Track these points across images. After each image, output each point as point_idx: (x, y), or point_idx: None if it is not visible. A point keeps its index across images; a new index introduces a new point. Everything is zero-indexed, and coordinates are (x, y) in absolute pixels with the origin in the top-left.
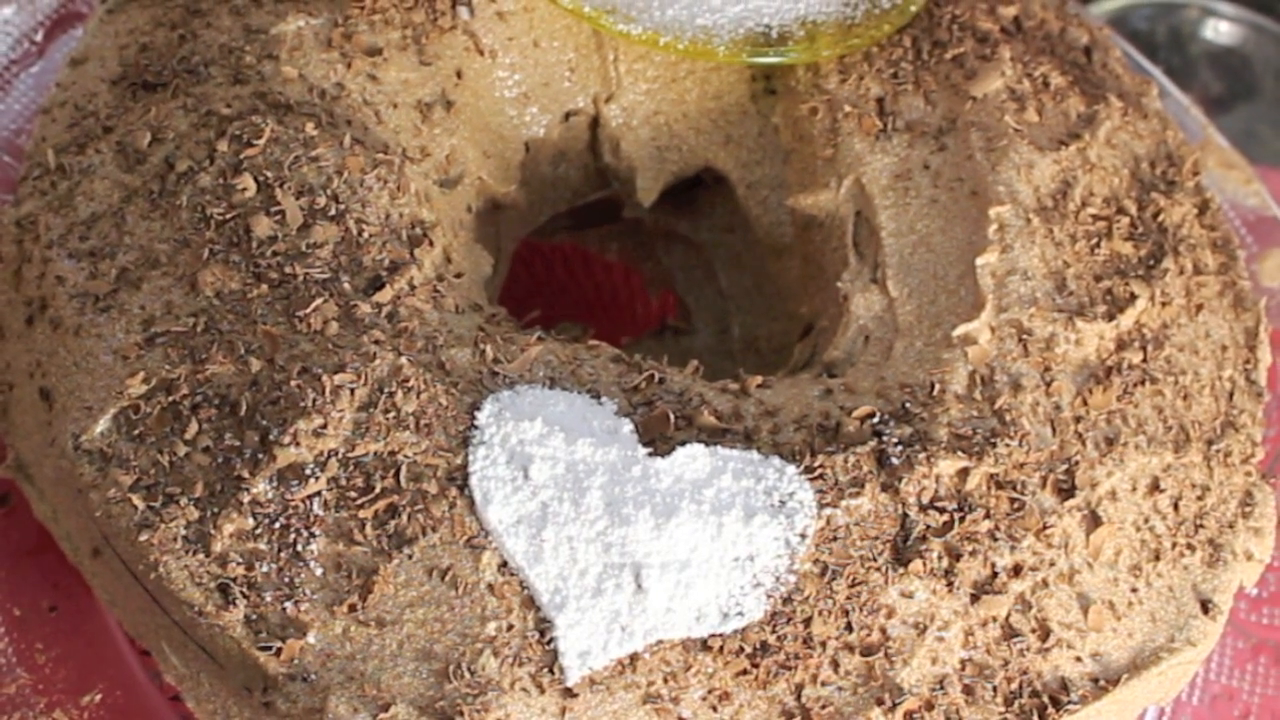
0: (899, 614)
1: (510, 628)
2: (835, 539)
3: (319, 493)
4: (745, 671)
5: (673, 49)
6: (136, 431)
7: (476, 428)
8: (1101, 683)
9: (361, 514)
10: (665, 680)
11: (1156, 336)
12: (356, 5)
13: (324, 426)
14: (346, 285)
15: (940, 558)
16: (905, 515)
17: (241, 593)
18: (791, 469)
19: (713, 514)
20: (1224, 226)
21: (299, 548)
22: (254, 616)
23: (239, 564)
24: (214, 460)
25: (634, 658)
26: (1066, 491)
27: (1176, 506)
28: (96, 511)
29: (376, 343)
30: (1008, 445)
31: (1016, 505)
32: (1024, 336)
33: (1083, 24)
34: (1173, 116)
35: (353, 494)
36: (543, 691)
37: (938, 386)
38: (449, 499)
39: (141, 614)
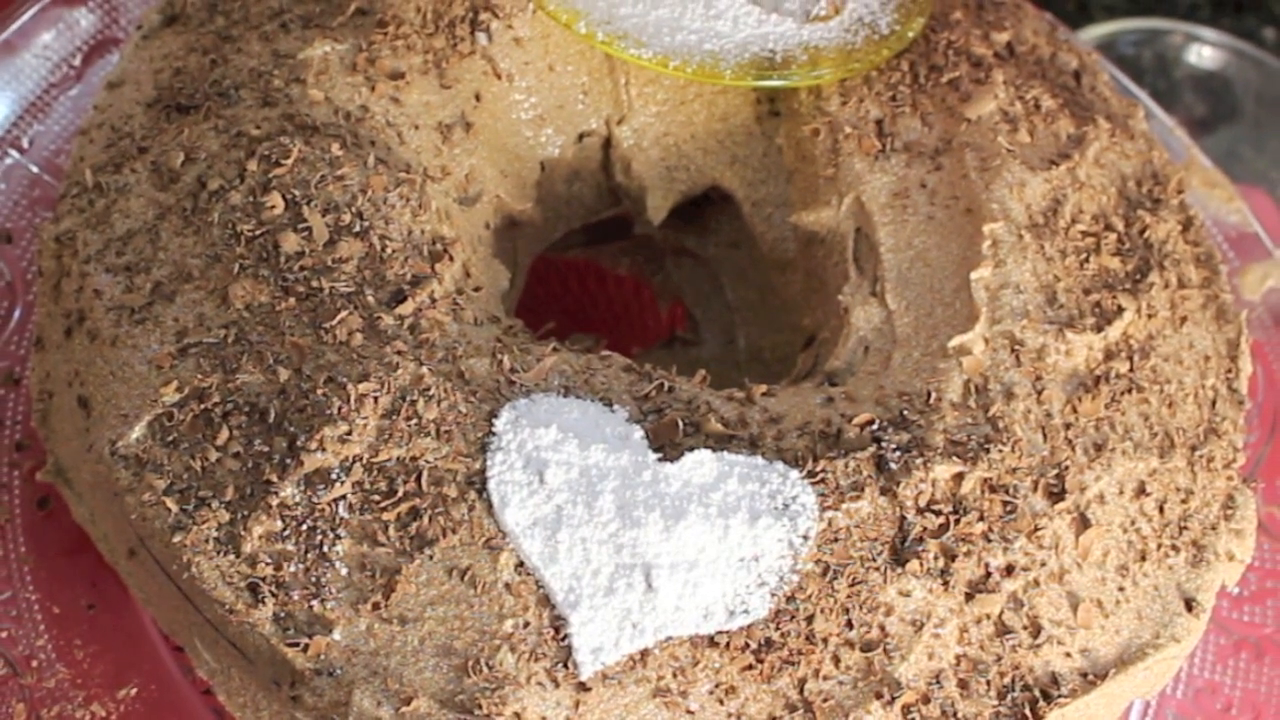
0: (897, 612)
1: (526, 625)
2: (836, 540)
3: (344, 496)
4: (751, 667)
5: (681, 73)
6: (170, 438)
7: (494, 434)
8: (1090, 677)
9: (385, 516)
10: (674, 675)
11: (1143, 347)
12: (380, 31)
13: (349, 433)
14: (370, 298)
15: (936, 558)
16: (903, 517)
17: (270, 591)
18: (795, 473)
19: (720, 516)
20: (1207, 242)
21: (325, 549)
22: (282, 614)
23: (268, 564)
24: (244, 465)
25: (644, 653)
26: (1057, 495)
27: (1162, 509)
28: (132, 514)
29: (399, 353)
30: (1001, 451)
31: (1009, 508)
32: (1016, 347)
33: (1072, 49)
34: (1158, 137)
35: (376, 497)
36: (557, 686)
37: (934, 395)
38: (468, 502)
39: (175, 612)
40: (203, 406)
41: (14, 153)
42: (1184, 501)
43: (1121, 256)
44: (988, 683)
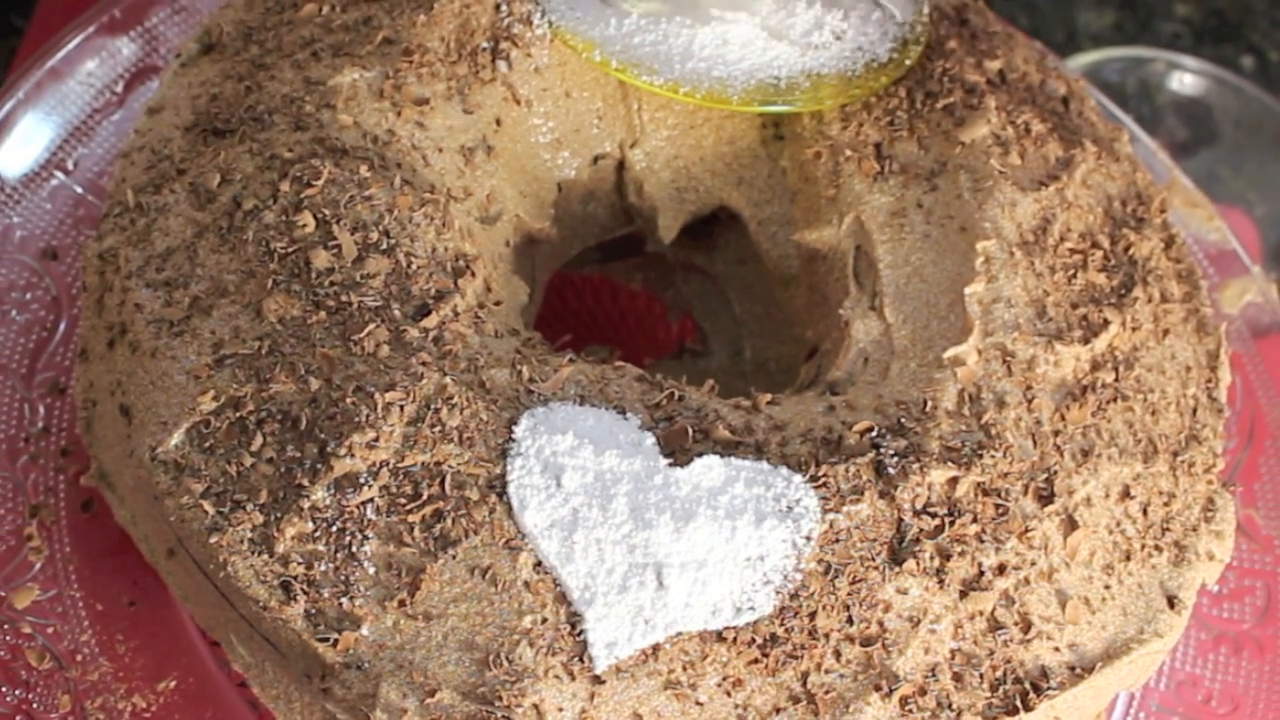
0: (895, 609)
1: (544, 621)
2: (837, 541)
3: (372, 499)
4: (756, 660)
5: (691, 99)
6: (207, 444)
7: (514, 440)
8: (1078, 671)
9: (410, 518)
10: (684, 668)
11: (1127, 358)
12: (406, 59)
13: (376, 439)
14: (397, 312)
15: (932, 558)
16: (900, 520)
17: (302, 590)
18: (798, 478)
19: (727, 518)
20: (1188, 259)
21: (354, 549)
22: (313, 611)
23: (299, 564)
24: (277, 470)
25: (656, 648)
26: (1046, 498)
27: (1145, 512)
28: (171, 516)
29: (424, 364)
30: (993, 456)
31: (1001, 510)
32: (1008, 358)
33: (1060, 76)
34: (1142, 160)
35: (402, 500)
36: (574, 678)
37: (930, 403)
38: (489, 505)
39: (212, 609)
40: (238, 414)
41: (59, 174)
42: (1166, 504)
43: (1107, 272)
44: (981, 676)
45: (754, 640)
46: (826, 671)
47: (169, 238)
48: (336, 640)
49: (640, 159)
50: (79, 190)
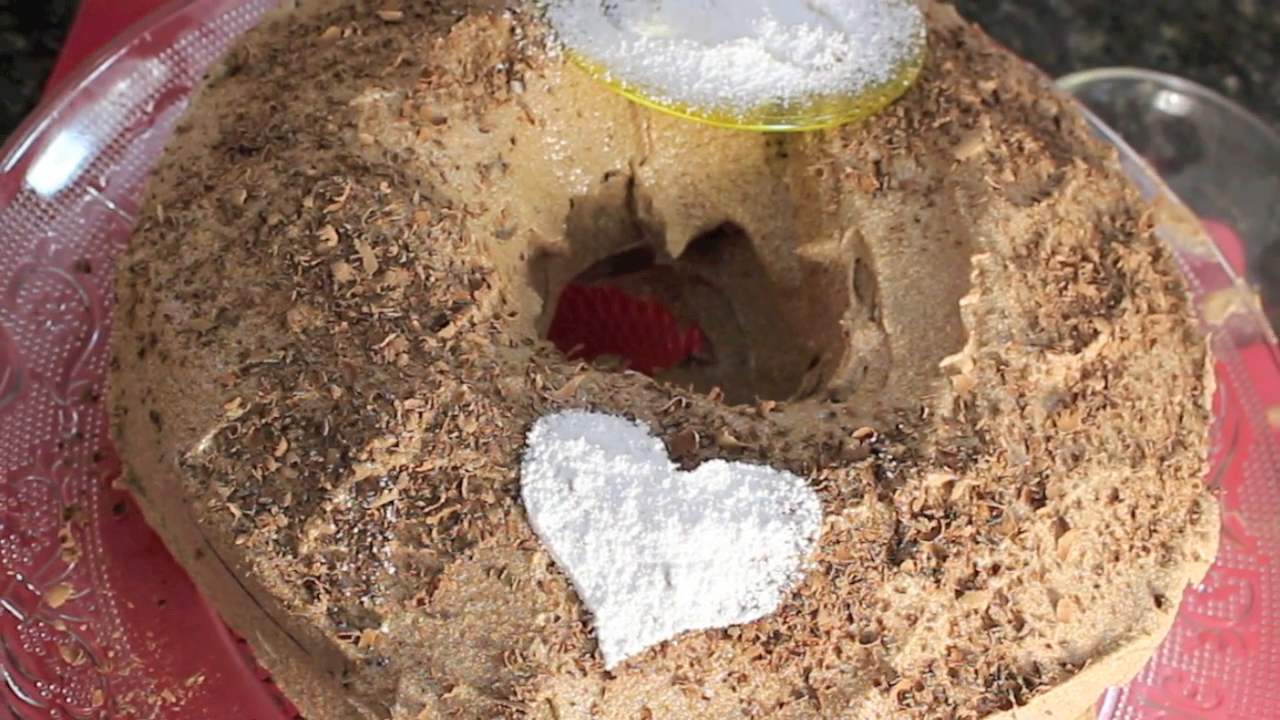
0: (893, 607)
1: (557, 619)
2: (838, 542)
3: (392, 502)
4: (760, 657)
5: (698, 118)
6: (234, 449)
7: (528, 446)
8: (1069, 666)
9: (429, 520)
10: (691, 664)
11: (1116, 367)
12: (424, 80)
13: (396, 445)
14: (415, 323)
15: (929, 558)
16: (899, 522)
17: (325, 589)
18: (800, 481)
19: (732, 520)
20: (1175, 272)
21: (374, 550)
22: (335, 609)
23: (322, 564)
24: (301, 474)
25: (664, 645)
26: (1038, 501)
27: (1134, 514)
28: (199, 519)
29: (441, 372)
30: (988, 461)
31: (995, 513)
32: (1002, 367)
33: (1052, 96)
34: (1130, 176)
35: (421, 503)
36: (585, 674)
37: (927, 410)
38: (504, 508)
39: (238, 607)
40: (263, 421)
41: (92, 190)
42: (1154, 507)
43: (1097, 285)
44: (976, 671)
45: (758, 637)
46: (828, 667)
47: (197, 251)
48: (358, 637)
49: (649, 176)
50: (111, 206)
